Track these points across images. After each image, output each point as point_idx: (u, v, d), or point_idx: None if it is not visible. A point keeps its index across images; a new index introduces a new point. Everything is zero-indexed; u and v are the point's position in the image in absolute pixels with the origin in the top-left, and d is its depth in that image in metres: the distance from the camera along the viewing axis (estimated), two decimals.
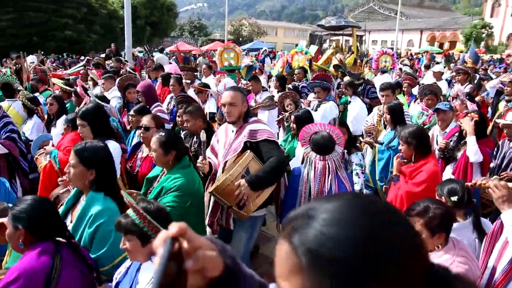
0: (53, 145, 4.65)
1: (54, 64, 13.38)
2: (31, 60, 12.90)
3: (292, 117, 4.62)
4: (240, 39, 49.37)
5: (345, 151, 4.04)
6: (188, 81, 8.08)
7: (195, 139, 4.30)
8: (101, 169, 2.53)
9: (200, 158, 3.29)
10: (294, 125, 4.53)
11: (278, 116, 6.13)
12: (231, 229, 3.47)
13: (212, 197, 3.34)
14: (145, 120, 3.88)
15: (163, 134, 3.11)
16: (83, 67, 10.25)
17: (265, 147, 3.24)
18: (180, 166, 3.11)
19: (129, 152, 4.14)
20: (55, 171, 3.98)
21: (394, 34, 39.47)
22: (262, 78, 9.81)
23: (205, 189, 3.41)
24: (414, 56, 26.09)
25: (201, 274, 0.79)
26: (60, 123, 4.92)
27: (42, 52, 14.10)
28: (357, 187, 3.99)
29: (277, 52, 21.70)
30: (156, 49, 28.89)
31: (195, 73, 9.37)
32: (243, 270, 0.92)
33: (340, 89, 8.11)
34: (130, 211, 2.09)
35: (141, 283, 2.09)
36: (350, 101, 7.03)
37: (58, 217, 2.27)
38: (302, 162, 3.76)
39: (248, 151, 3.21)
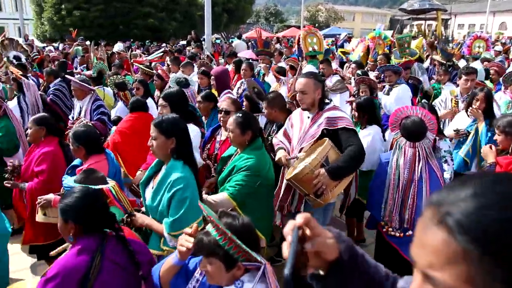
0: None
1: (138, 51, 14.04)
2: (118, 47, 13.72)
3: (354, 104, 4.46)
4: (316, 25, 48.54)
5: (437, 138, 3.81)
6: (267, 65, 8.19)
7: (274, 127, 4.27)
8: (180, 137, 2.68)
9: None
10: (356, 113, 4.35)
11: None
12: None
13: (284, 182, 3.35)
14: (225, 104, 3.95)
15: (240, 115, 3.23)
16: (162, 53, 10.67)
17: (343, 135, 3.21)
18: (253, 147, 3.19)
19: (207, 135, 4.23)
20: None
21: (484, 17, 36.50)
22: (334, 64, 9.58)
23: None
24: (509, 41, 23.89)
25: (320, 256, 0.97)
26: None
27: (132, 40, 14.91)
28: (446, 175, 3.73)
29: (353, 38, 21.00)
30: (233, 36, 29.38)
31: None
32: (359, 254, 1.06)
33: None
34: (210, 228, 1.83)
35: None
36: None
37: (106, 209, 2.27)
38: (391, 148, 3.62)
39: (327, 139, 3.18)
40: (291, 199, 3.45)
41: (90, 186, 2.44)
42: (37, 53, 11.82)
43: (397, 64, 7.11)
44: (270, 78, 7.87)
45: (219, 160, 3.53)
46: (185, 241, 1.96)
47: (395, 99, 5.71)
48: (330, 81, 6.66)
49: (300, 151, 3.34)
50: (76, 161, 3.58)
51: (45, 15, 30.23)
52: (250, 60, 7.93)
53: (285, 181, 3.35)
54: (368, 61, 9.38)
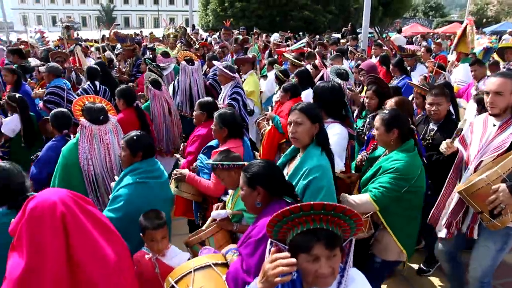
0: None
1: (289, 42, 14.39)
2: (274, 38, 14.29)
3: None
4: (484, 20, 43.50)
5: None
6: None
7: (431, 126, 3.89)
8: (323, 123, 2.72)
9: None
10: None
11: None
12: (473, 238, 2.99)
13: (456, 195, 2.97)
14: (388, 104, 3.79)
15: (387, 112, 3.07)
16: (304, 44, 10.80)
17: None
18: (403, 149, 2.98)
19: (370, 133, 4.06)
20: (278, 134, 4.58)
21: None
22: None
23: None
24: None
25: None
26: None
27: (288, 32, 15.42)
28: None
29: None
30: (386, 30, 28.10)
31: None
32: None
33: None
34: None
35: None
36: None
37: (284, 178, 2.42)
38: None
39: None
40: (463, 215, 2.99)
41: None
42: (201, 41, 13.00)
43: None
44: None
45: (365, 161, 3.39)
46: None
47: None
48: (484, 84, 5.91)
49: (478, 166, 2.88)
50: (213, 142, 3.76)
51: (210, 6, 32.88)
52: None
53: (457, 194, 2.94)
54: None
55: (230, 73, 5.48)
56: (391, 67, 6.83)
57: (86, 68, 6.47)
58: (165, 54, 8.11)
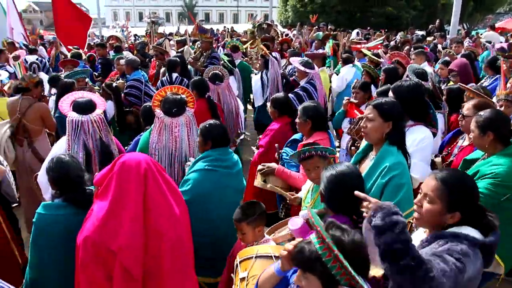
0: None
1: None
2: (354, 35, 13.92)
3: None
4: None
5: None
6: None
7: None
8: (397, 122, 2.59)
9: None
10: None
11: None
12: None
13: None
14: (465, 107, 3.49)
15: (482, 114, 2.87)
16: (381, 42, 10.44)
17: None
18: (505, 153, 2.76)
19: (447, 137, 3.83)
20: None
21: None
22: None
23: None
24: None
25: None
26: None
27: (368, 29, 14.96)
28: None
29: None
30: (476, 28, 26.18)
31: None
32: None
33: None
34: (315, 239, 1.58)
35: None
36: None
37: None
38: None
39: None
40: None
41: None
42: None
43: None
44: None
45: (461, 162, 3.13)
46: (288, 246, 1.78)
47: None
48: None
49: None
50: (297, 136, 3.75)
51: (290, 2, 32.79)
52: None
53: None
54: None
55: (302, 69, 5.43)
56: (483, 66, 6.38)
57: (167, 60, 6.74)
58: (234, 49, 8.23)
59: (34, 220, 2.54)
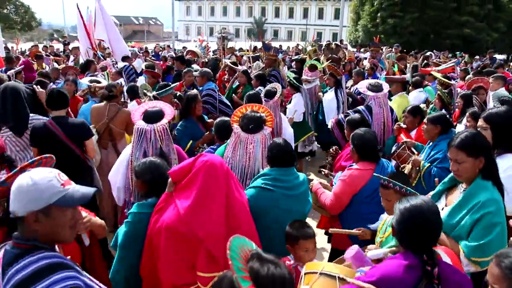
0: None
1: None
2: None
3: None
4: None
5: None
6: None
7: None
8: (489, 155, 2.50)
9: None
10: None
11: None
12: None
13: None
14: None
15: None
16: (454, 65, 10.08)
17: None
18: None
19: None
20: None
21: None
22: None
23: None
24: None
25: None
26: None
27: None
28: None
29: None
30: None
31: None
32: None
33: None
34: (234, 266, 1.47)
35: None
36: None
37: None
38: None
39: None
40: None
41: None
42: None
43: None
44: None
45: None
46: None
47: None
48: None
49: None
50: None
51: (361, 22, 32.37)
52: None
53: None
54: None
55: (362, 90, 5.46)
56: None
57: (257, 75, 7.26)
58: (312, 68, 8.09)
59: (129, 219, 2.72)
